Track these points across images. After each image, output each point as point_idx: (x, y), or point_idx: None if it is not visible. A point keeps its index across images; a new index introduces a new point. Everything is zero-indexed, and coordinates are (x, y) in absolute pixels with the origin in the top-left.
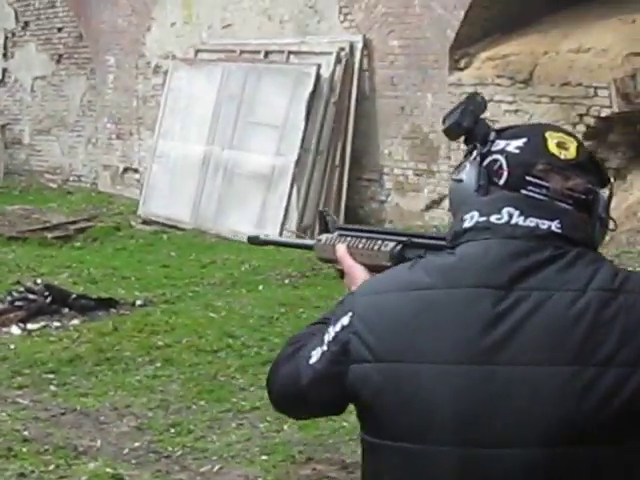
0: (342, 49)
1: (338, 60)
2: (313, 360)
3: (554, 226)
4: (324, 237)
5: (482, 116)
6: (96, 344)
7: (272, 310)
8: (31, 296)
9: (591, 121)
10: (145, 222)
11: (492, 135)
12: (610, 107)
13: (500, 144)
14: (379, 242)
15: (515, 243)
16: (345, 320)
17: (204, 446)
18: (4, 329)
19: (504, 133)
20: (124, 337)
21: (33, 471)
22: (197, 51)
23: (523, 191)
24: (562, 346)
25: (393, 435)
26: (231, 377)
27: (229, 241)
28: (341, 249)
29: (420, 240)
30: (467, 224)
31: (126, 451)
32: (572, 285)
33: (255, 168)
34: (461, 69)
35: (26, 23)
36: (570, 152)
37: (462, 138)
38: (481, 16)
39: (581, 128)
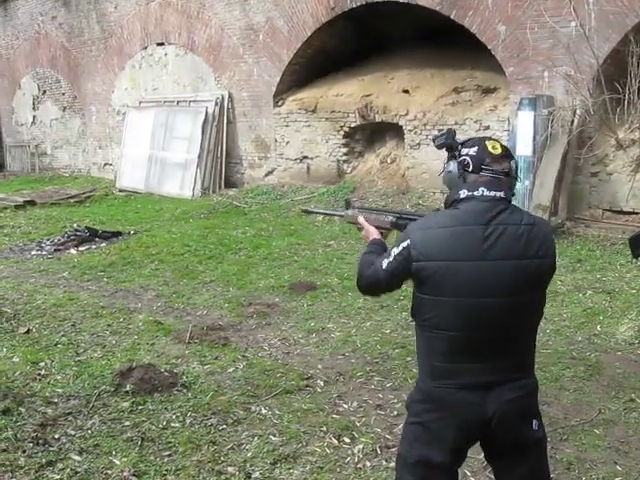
0: (218, 98)
1: (216, 104)
2: (384, 266)
3: (502, 194)
4: (350, 211)
5: (456, 137)
6: (120, 255)
7: (202, 231)
8: (78, 232)
9: (347, 129)
10: (120, 191)
11: (460, 147)
12: (355, 122)
13: (464, 150)
14: (383, 216)
15: (487, 204)
16: (404, 244)
17: (194, 302)
18: (67, 251)
19: (465, 144)
20: (133, 250)
21: (111, 324)
22: (140, 102)
23: (482, 173)
24: (515, 250)
25: (438, 292)
26: (195, 266)
27: (166, 198)
28: (361, 218)
29: (404, 215)
30: (462, 195)
31: (154, 308)
32: (515, 221)
33: (176, 160)
34: (279, 106)
35: (44, 91)
36: (499, 150)
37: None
38: (288, 79)
39: (342, 133)
